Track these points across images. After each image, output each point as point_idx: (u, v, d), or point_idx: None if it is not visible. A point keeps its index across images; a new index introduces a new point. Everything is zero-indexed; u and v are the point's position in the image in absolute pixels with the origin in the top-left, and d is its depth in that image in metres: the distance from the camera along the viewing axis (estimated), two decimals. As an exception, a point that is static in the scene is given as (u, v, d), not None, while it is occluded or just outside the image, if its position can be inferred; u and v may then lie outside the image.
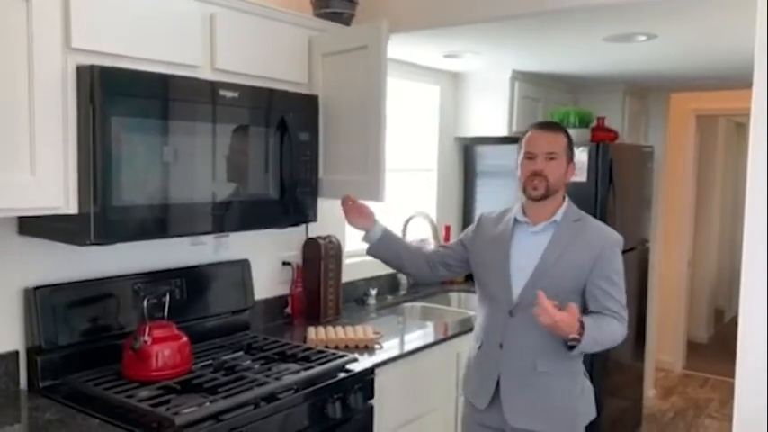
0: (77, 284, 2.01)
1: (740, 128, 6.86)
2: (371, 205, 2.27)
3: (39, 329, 1.90)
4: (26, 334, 1.94)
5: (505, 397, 2.01)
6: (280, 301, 2.79)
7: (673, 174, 5.09)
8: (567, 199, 2.08)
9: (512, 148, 2.09)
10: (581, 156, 3.39)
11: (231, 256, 2.51)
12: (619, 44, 2.86)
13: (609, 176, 3.42)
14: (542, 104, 3.89)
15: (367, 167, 2.29)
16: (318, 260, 2.76)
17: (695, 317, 6.14)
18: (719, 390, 5.05)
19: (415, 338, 2.64)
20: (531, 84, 3.77)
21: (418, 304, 3.37)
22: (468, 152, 3.89)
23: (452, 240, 2.37)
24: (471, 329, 2.26)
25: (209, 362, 2.10)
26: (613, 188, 3.46)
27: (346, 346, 2.41)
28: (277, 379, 1.96)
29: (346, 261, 2.95)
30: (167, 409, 1.70)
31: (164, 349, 1.93)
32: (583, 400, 2.07)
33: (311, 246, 2.78)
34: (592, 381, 2.13)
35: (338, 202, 2.26)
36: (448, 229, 3.78)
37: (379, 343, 2.45)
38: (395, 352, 2.40)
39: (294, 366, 2.09)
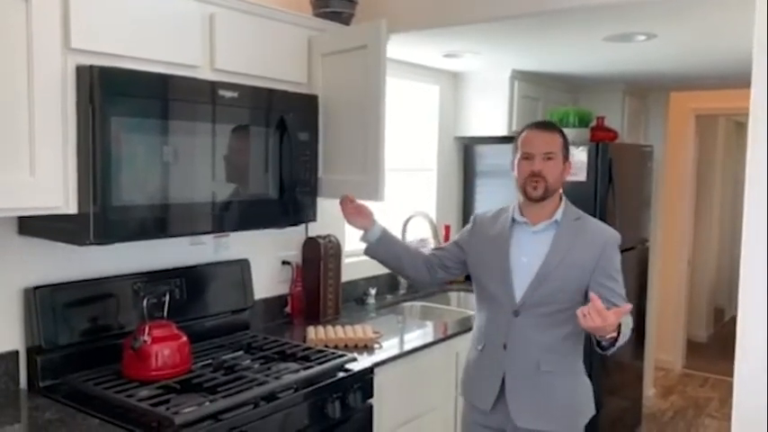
0: (77, 284, 2.02)
1: (740, 127, 6.86)
2: (371, 205, 2.27)
3: (39, 329, 1.90)
4: (26, 334, 1.94)
5: (511, 397, 2.01)
6: (279, 301, 2.79)
7: (672, 173, 5.09)
8: (564, 198, 2.09)
9: (511, 147, 2.09)
10: (580, 155, 3.39)
11: (231, 256, 2.52)
12: (618, 44, 2.86)
13: (608, 176, 3.42)
14: (542, 104, 3.89)
15: (366, 167, 2.29)
16: (318, 260, 2.76)
17: (695, 316, 6.14)
18: (719, 389, 5.05)
19: (414, 338, 2.64)
20: (531, 83, 3.77)
21: (418, 304, 3.37)
22: (467, 152, 3.90)
23: (448, 242, 2.36)
24: (471, 329, 2.26)
25: (209, 361, 2.10)
26: (613, 188, 3.46)
27: (346, 346, 2.41)
28: (276, 378, 1.97)
29: (346, 260, 2.96)
30: (167, 409, 1.70)
31: (163, 349, 1.94)
32: (584, 399, 2.09)
33: (311, 245, 2.78)
34: (591, 380, 2.13)
35: (338, 202, 2.26)
36: (448, 228, 3.78)
37: (378, 342, 2.45)
38: (394, 351, 2.41)
39: (294, 366, 2.09)
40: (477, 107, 3.76)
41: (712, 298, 6.61)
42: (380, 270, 2.69)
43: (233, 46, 2.11)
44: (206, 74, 2.03)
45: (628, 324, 1.92)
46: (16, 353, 1.94)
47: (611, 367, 3.63)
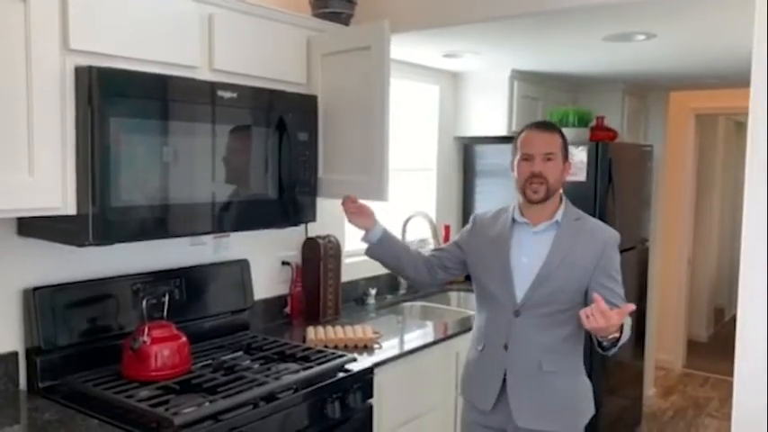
0: (77, 285, 2.01)
1: (740, 126, 6.86)
2: (372, 205, 2.26)
3: (38, 330, 1.90)
4: (25, 335, 1.94)
5: (513, 397, 2.01)
6: (279, 301, 2.79)
7: (672, 173, 5.09)
8: (564, 198, 2.08)
9: (511, 148, 2.09)
10: (580, 155, 3.39)
11: (230, 256, 2.51)
12: (618, 43, 2.86)
13: (608, 176, 3.42)
14: (542, 104, 3.89)
15: (370, 167, 2.29)
16: (318, 260, 2.76)
17: (695, 315, 6.14)
18: (719, 389, 5.05)
19: (414, 338, 2.64)
20: (531, 83, 3.77)
21: (418, 304, 3.37)
22: (467, 151, 3.89)
23: (448, 243, 2.35)
24: (471, 329, 2.25)
25: (209, 362, 2.10)
26: (613, 187, 3.46)
27: (345, 346, 2.41)
28: (276, 379, 1.96)
29: (346, 261, 2.95)
30: (166, 410, 1.70)
31: (163, 349, 1.94)
32: (585, 399, 2.09)
33: (311, 245, 2.78)
34: (591, 380, 2.13)
35: (337, 202, 2.26)
36: (447, 228, 3.78)
37: (378, 343, 2.45)
38: (394, 351, 2.41)
39: (293, 366, 2.09)
40: (477, 107, 3.76)
41: (712, 297, 6.61)
42: (380, 270, 2.69)
43: (232, 46, 2.10)
44: (205, 74, 2.03)
45: (628, 324, 1.92)
46: (16, 354, 1.93)
47: (611, 367, 3.63)
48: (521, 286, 2.01)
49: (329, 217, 2.58)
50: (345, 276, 2.95)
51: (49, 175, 1.65)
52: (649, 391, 4.74)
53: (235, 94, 2.01)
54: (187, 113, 1.91)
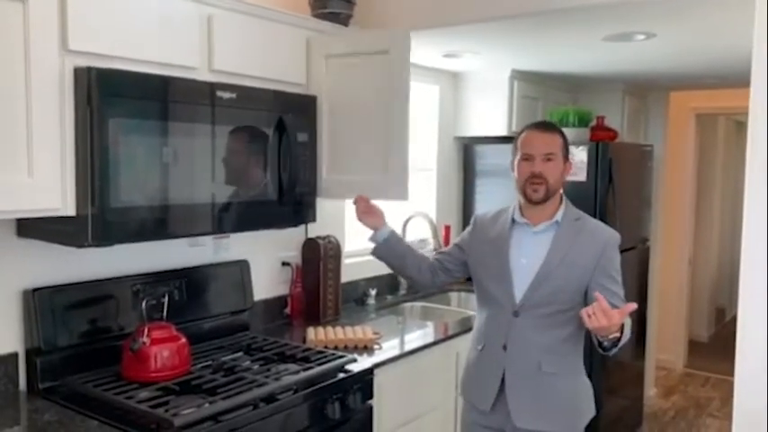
0: (76, 286, 2.01)
1: (740, 126, 6.86)
2: (382, 205, 2.27)
3: (38, 331, 1.90)
4: (25, 335, 1.94)
5: (511, 398, 2.01)
6: (279, 302, 2.79)
7: (672, 172, 5.08)
8: (564, 198, 2.08)
9: (511, 148, 2.09)
10: (580, 155, 3.39)
11: (230, 257, 2.51)
12: (618, 43, 2.86)
13: (608, 176, 3.42)
14: (542, 104, 3.88)
15: (387, 167, 2.31)
16: (318, 260, 2.76)
17: (696, 315, 6.13)
18: (720, 389, 5.04)
19: (414, 338, 2.64)
20: (531, 83, 3.77)
21: (418, 304, 3.36)
22: (467, 152, 3.89)
23: (450, 245, 2.36)
24: (471, 329, 2.25)
25: (209, 363, 2.10)
26: (613, 187, 3.46)
27: (345, 347, 2.41)
28: (276, 380, 1.96)
29: (346, 261, 2.95)
30: (166, 411, 1.70)
31: (163, 350, 1.93)
32: (585, 399, 2.08)
33: (311, 246, 2.78)
34: (591, 380, 2.13)
35: (338, 203, 2.26)
36: (447, 228, 3.77)
37: (378, 343, 2.45)
38: (394, 352, 2.40)
39: (293, 367, 2.09)
40: (477, 107, 3.76)
41: (713, 297, 6.61)
42: (381, 271, 2.69)
43: (231, 47, 2.10)
44: (204, 75, 2.03)
45: (628, 324, 1.92)
46: (15, 355, 1.93)
47: (611, 367, 3.63)
48: (519, 287, 2.01)
49: (329, 217, 2.59)
50: (345, 277, 2.95)
51: (49, 176, 1.65)
52: (650, 391, 4.74)
53: (234, 95, 2.01)
54: (186, 114, 1.91)
